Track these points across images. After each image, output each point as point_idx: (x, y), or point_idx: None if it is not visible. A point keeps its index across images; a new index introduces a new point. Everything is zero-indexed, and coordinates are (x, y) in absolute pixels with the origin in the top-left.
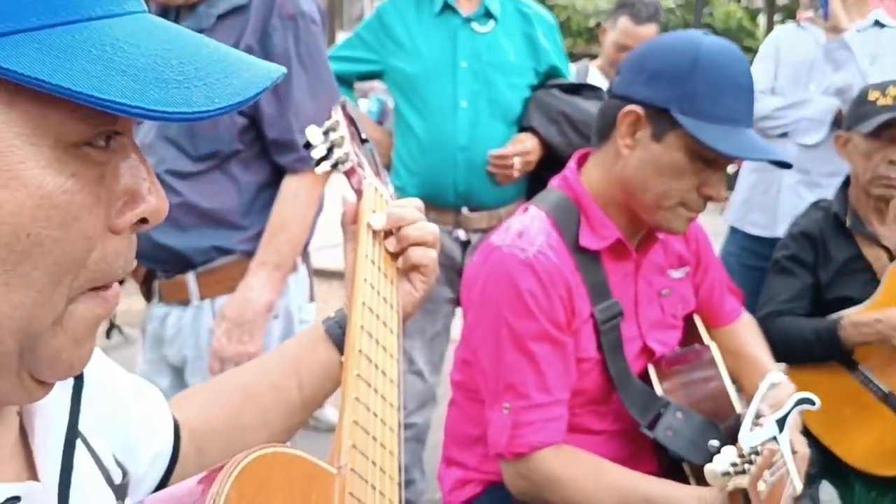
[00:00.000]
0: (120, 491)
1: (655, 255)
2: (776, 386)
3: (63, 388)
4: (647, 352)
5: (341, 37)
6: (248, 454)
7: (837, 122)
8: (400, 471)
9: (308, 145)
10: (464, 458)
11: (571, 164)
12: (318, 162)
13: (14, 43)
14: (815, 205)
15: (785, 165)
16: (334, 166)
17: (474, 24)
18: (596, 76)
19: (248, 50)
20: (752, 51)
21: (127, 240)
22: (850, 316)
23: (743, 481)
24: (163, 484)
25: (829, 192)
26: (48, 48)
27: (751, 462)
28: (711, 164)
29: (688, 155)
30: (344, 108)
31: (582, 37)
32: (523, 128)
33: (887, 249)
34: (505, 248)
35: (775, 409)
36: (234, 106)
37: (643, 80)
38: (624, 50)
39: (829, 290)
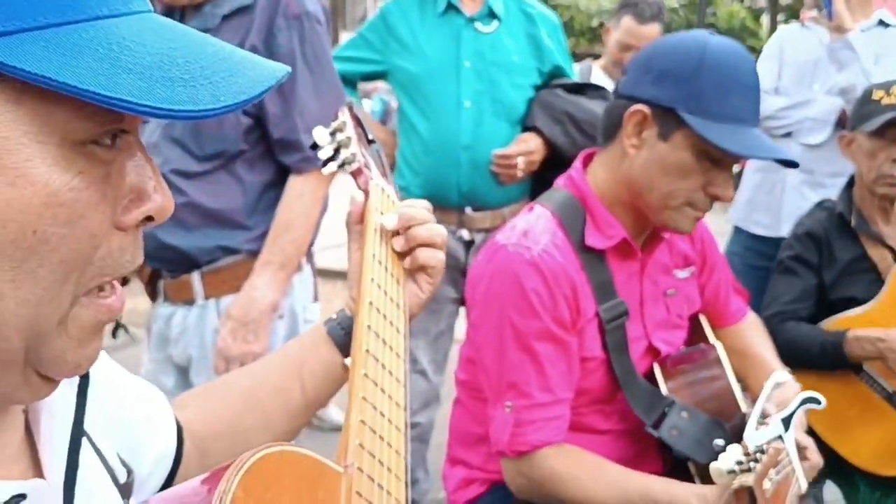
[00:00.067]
0: (125, 490)
1: (661, 254)
2: (782, 385)
3: (69, 387)
4: (652, 351)
5: (344, 37)
6: (254, 452)
7: (841, 122)
8: (407, 470)
9: (315, 146)
10: (468, 457)
11: (577, 163)
12: (326, 163)
13: (21, 41)
14: (820, 205)
15: (792, 165)
16: (341, 167)
17: (478, 24)
18: (599, 76)
19: (253, 50)
20: (755, 50)
21: (132, 235)
22: (856, 330)
23: (748, 479)
24: (167, 485)
25: (833, 192)
26: (55, 46)
27: (756, 460)
28: (718, 163)
29: (694, 154)
30: (351, 109)
31: (585, 36)
32: (527, 128)
33: (892, 249)
34: (510, 246)
35: (781, 408)
36: (240, 104)
37: (650, 80)
38: (627, 49)
39: (833, 290)
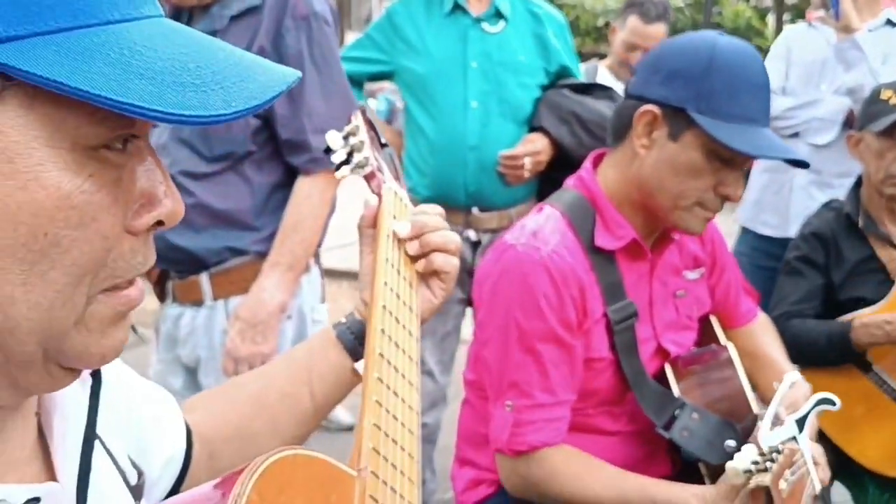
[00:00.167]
0: (136, 492)
1: (671, 255)
2: (795, 386)
3: (81, 389)
4: (661, 353)
5: (350, 37)
6: (268, 456)
7: (849, 122)
8: (419, 474)
9: (328, 150)
10: (477, 457)
11: (587, 164)
12: (339, 166)
13: (33, 45)
14: (827, 205)
15: (802, 165)
16: (354, 171)
17: (485, 25)
18: (605, 76)
19: (261, 50)
20: (761, 50)
21: (143, 238)
22: (861, 317)
23: (765, 479)
24: (175, 488)
25: (840, 192)
26: (67, 51)
27: (772, 460)
28: (728, 163)
29: (704, 154)
30: (364, 112)
31: (590, 36)
32: (534, 128)
33: None
34: (519, 246)
35: (793, 410)
36: (251, 109)
37: (659, 80)
38: (633, 49)
39: (842, 290)
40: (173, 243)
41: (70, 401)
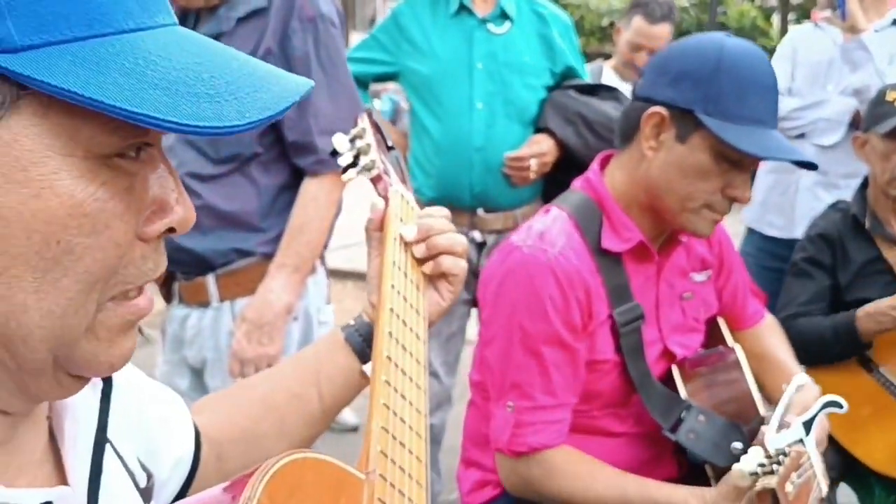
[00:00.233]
0: (146, 494)
1: (678, 257)
2: (802, 388)
3: (92, 392)
4: (667, 355)
5: (354, 37)
6: (278, 459)
7: (855, 123)
8: (427, 477)
9: (335, 153)
10: (483, 459)
11: (595, 165)
12: (346, 169)
13: (48, 55)
14: (834, 206)
15: (810, 167)
16: (360, 173)
17: (490, 26)
18: (610, 76)
19: (268, 52)
20: (766, 50)
21: (154, 244)
22: (865, 307)
23: (771, 482)
24: (184, 490)
25: (846, 193)
26: (81, 61)
27: (779, 463)
28: (736, 165)
29: (712, 156)
30: (370, 115)
31: (595, 36)
32: (539, 129)
33: None
34: (525, 248)
35: (801, 412)
36: (265, 120)
37: (667, 82)
38: (638, 50)
39: (849, 291)
40: (180, 245)
41: (81, 404)
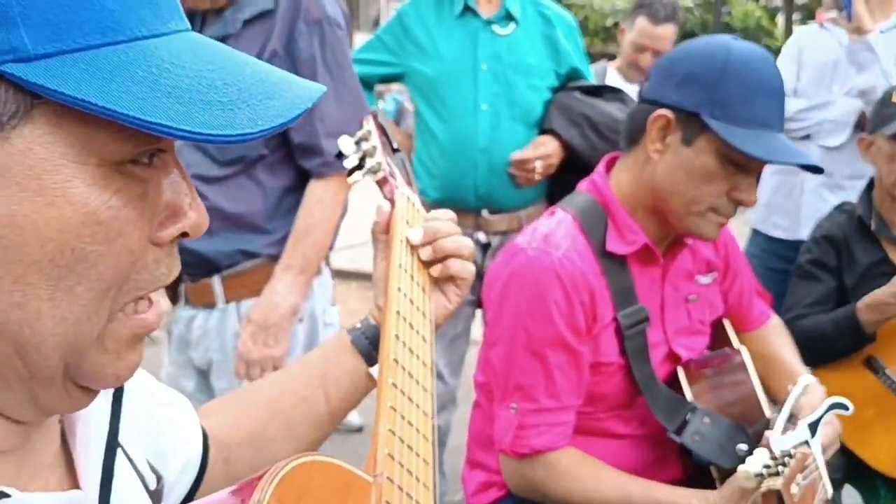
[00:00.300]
0: (156, 497)
1: (683, 260)
2: (809, 389)
3: (104, 396)
4: (672, 357)
5: (358, 38)
6: (287, 463)
7: (860, 125)
8: (434, 479)
9: (341, 155)
10: (488, 460)
11: (600, 167)
12: (351, 171)
13: (61, 63)
14: (839, 208)
15: (816, 170)
16: (366, 175)
17: (495, 27)
18: (614, 77)
19: (274, 54)
20: (770, 50)
21: (167, 249)
22: (864, 299)
23: (776, 483)
24: (192, 493)
25: (852, 194)
26: (94, 69)
27: (784, 464)
28: (742, 168)
29: (718, 159)
30: (375, 117)
31: (599, 36)
32: (544, 130)
33: None
34: (530, 250)
35: (806, 413)
36: (277, 128)
37: (673, 85)
38: (642, 50)
39: (854, 293)
40: (185, 246)
41: (93, 408)
